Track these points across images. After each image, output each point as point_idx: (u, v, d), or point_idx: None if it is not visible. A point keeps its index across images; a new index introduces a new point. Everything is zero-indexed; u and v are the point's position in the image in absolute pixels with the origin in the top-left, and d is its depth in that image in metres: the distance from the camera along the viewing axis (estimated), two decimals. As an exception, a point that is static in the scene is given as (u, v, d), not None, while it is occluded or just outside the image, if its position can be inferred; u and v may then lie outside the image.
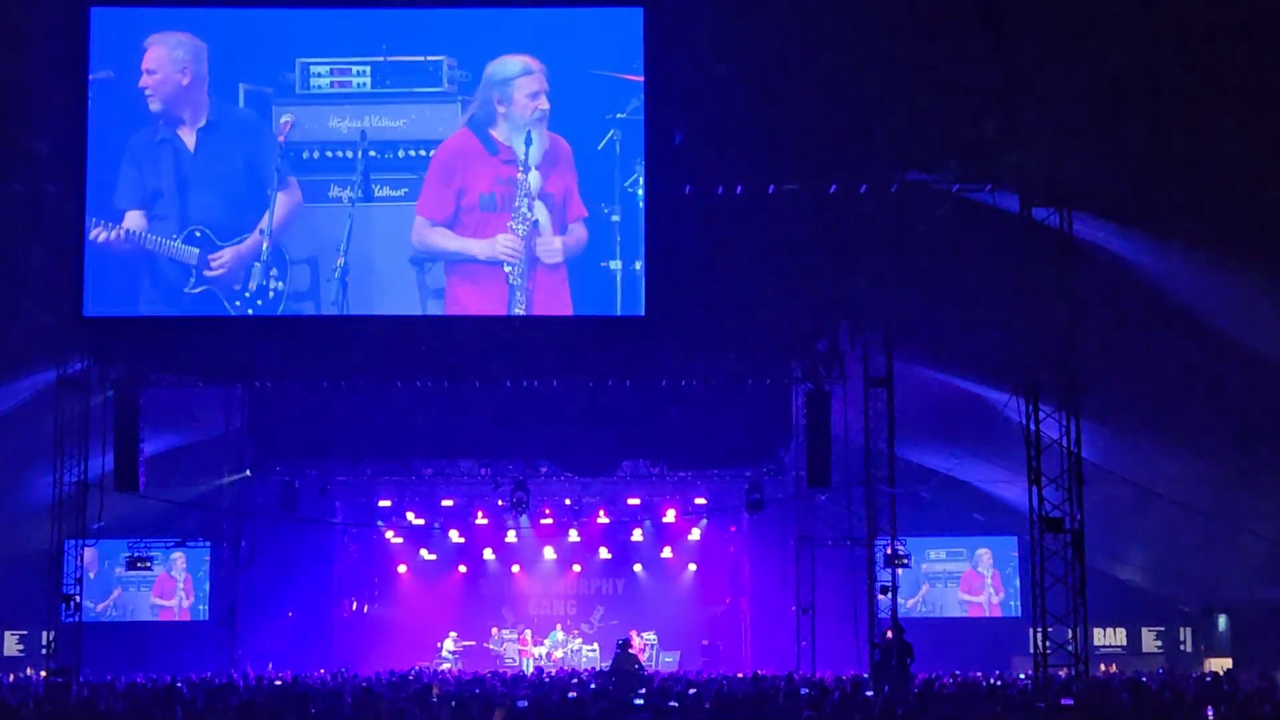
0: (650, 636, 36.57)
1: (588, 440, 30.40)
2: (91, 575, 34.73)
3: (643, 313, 21.49)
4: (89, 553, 27.19)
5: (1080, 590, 20.73)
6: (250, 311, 21.59)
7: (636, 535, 37.94)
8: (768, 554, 35.18)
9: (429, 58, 21.43)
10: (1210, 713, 16.90)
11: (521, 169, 21.38)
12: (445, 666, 34.55)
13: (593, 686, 22.44)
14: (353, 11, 21.73)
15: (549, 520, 37.23)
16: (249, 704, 16.23)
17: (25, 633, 34.69)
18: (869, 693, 21.26)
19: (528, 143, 21.34)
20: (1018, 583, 35.63)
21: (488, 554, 38.47)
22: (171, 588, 35.80)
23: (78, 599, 25.74)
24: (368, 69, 21.45)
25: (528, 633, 37.46)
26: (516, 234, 21.47)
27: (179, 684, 21.96)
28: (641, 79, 21.14)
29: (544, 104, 21.32)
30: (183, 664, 31.32)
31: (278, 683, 24.99)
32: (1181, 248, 20.77)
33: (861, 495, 26.12)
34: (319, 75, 21.36)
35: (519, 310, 21.52)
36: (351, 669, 30.78)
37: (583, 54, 21.37)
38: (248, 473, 32.66)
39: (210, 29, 21.52)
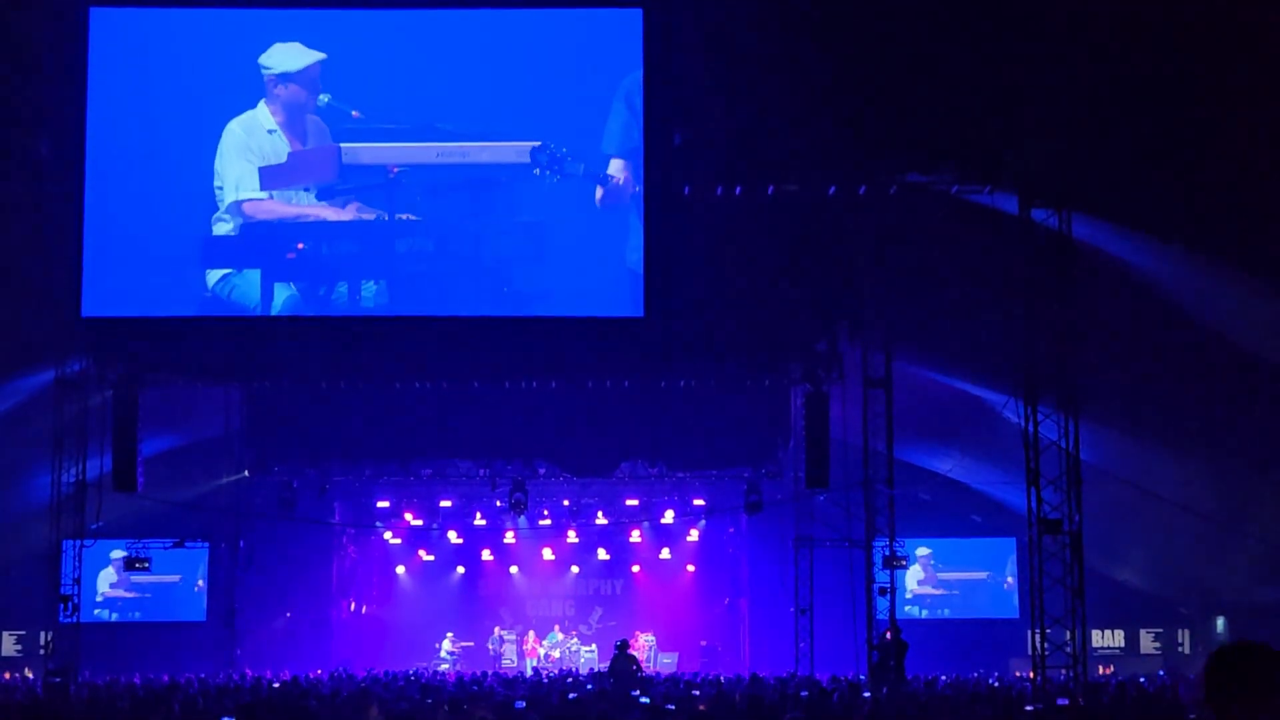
0: (648, 638, 36.54)
1: (586, 441, 30.40)
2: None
3: (641, 314, 21.49)
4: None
5: (1079, 592, 20.73)
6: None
7: (635, 536, 37.94)
8: (766, 555, 35.17)
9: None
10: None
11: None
12: (444, 667, 34.54)
13: (590, 688, 22.44)
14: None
15: (547, 521, 37.19)
16: (249, 705, 16.22)
17: (23, 633, 34.68)
18: (867, 694, 21.25)
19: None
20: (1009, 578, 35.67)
21: (486, 555, 38.44)
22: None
23: (75, 599, 25.73)
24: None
25: (530, 633, 37.41)
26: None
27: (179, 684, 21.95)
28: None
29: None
30: (181, 665, 31.32)
31: (276, 685, 24.97)
32: (1180, 249, 20.80)
33: (860, 496, 26.11)
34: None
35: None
36: (350, 670, 30.76)
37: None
38: (246, 473, 32.65)
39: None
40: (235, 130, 21.33)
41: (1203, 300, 21.62)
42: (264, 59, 21.26)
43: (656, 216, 21.30)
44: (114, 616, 35.70)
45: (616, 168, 21.28)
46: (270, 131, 21.34)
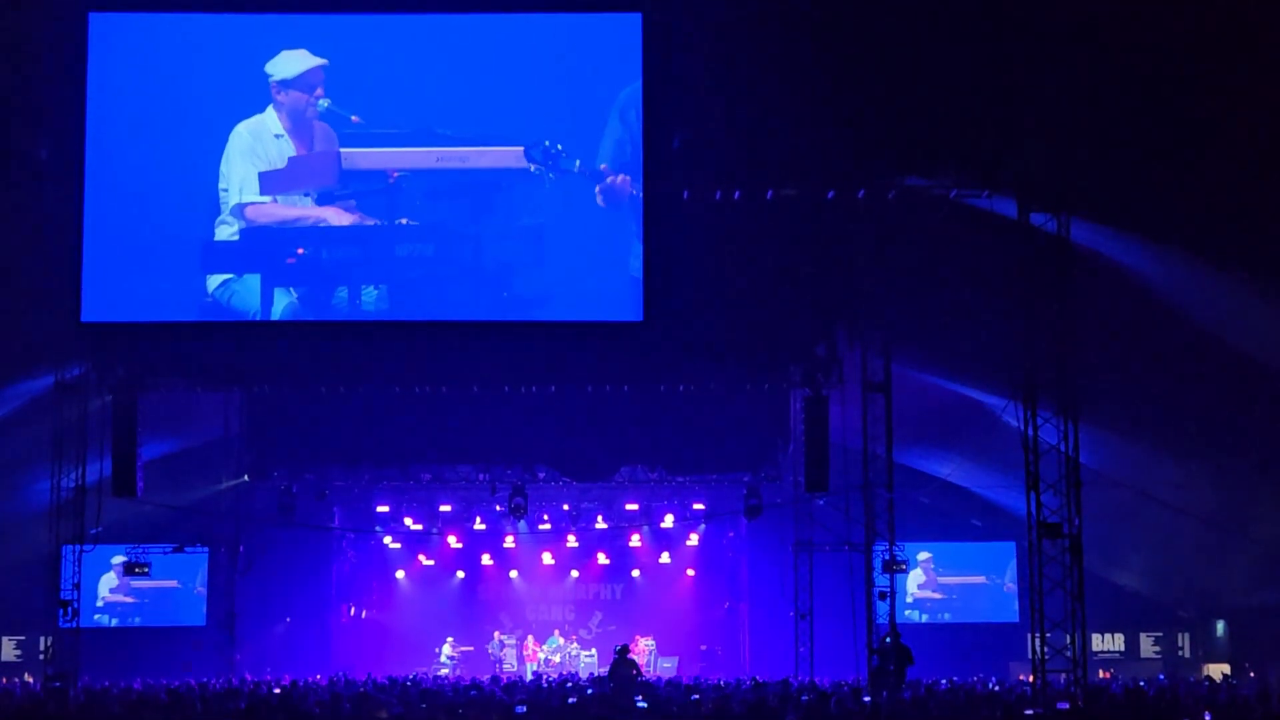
0: (648, 642, 36.53)
1: (586, 445, 30.42)
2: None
3: (641, 318, 21.48)
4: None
5: (1078, 595, 20.72)
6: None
7: (635, 540, 37.95)
8: (766, 559, 35.17)
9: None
10: (1208, 717, 16.90)
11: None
12: (444, 672, 34.53)
13: (590, 691, 22.44)
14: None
15: (547, 526, 37.20)
16: (248, 709, 16.22)
17: (23, 638, 34.66)
18: (867, 698, 21.25)
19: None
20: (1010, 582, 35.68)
21: (486, 559, 38.42)
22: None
23: (75, 604, 25.71)
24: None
25: (530, 638, 37.40)
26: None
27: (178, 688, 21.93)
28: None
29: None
30: (181, 670, 31.30)
31: (276, 690, 24.95)
32: (1179, 252, 20.80)
33: (859, 500, 26.11)
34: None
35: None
36: (350, 675, 30.74)
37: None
38: (246, 478, 32.66)
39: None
40: (242, 134, 21.33)
41: (1203, 301, 21.60)
42: (269, 66, 21.31)
43: (656, 221, 21.28)
44: (114, 621, 35.67)
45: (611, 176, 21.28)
46: (277, 136, 21.36)
